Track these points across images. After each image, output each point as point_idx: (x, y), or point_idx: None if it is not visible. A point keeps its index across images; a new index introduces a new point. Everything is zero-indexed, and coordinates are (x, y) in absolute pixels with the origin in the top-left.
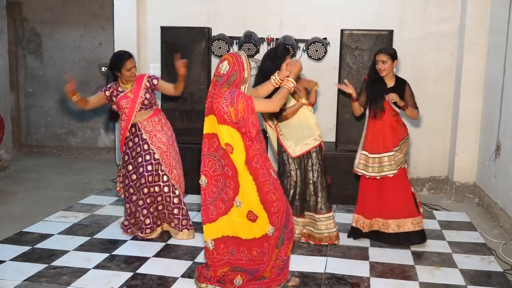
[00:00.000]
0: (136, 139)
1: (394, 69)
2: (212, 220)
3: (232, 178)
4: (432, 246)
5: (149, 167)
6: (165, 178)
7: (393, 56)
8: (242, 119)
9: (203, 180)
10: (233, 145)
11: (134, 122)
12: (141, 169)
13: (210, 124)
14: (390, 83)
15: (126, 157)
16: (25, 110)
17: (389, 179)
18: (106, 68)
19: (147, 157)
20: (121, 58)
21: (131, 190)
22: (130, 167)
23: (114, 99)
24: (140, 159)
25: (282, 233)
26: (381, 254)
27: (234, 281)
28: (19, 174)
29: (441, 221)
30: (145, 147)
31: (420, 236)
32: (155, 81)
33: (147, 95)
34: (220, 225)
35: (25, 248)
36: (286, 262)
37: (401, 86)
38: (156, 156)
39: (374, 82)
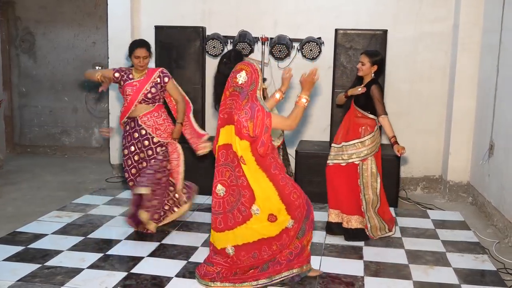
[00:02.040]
0: (135, 134)
1: (373, 74)
2: (230, 228)
3: (247, 188)
4: (426, 245)
5: (152, 161)
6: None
7: (374, 61)
8: (256, 136)
9: (220, 189)
10: (245, 158)
11: (133, 115)
12: (144, 163)
13: (227, 135)
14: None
15: (126, 150)
16: (19, 109)
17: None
18: (100, 68)
19: (149, 152)
20: (133, 45)
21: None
22: (129, 162)
23: (122, 83)
24: (142, 154)
25: (303, 224)
26: (375, 253)
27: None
28: (12, 174)
29: (435, 220)
30: (146, 142)
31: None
32: (165, 79)
33: (153, 89)
34: (239, 233)
35: (19, 248)
36: (302, 249)
37: (368, 87)
38: (158, 150)
39: (355, 82)
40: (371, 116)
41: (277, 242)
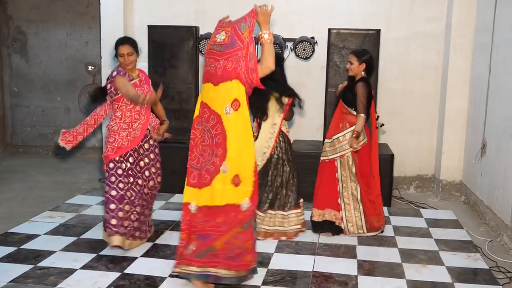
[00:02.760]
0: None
1: (363, 72)
2: (198, 186)
3: (222, 145)
4: (419, 244)
5: (158, 164)
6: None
7: (361, 60)
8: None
9: (199, 146)
10: (241, 102)
11: None
12: (147, 173)
13: (205, 94)
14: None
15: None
16: (11, 109)
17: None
18: (92, 67)
19: (151, 155)
20: (116, 43)
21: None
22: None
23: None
24: (146, 159)
25: (253, 220)
26: (368, 252)
27: (188, 248)
28: (4, 174)
29: (428, 219)
30: (145, 145)
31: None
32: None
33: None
34: (203, 193)
35: (11, 249)
36: (243, 253)
37: (354, 85)
38: (152, 156)
39: (348, 82)
40: (355, 112)
41: (223, 216)
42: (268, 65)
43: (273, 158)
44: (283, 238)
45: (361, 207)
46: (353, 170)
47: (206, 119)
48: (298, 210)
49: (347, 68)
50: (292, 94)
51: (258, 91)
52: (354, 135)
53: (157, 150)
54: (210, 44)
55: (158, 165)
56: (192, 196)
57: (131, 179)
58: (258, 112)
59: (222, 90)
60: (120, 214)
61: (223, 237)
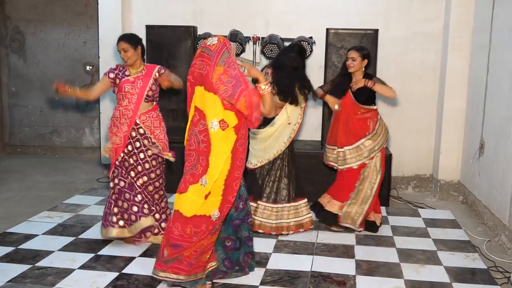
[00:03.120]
0: (133, 133)
1: (363, 68)
2: (180, 191)
3: (205, 156)
4: (417, 243)
5: (146, 165)
6: (158, 172)
7: (364, 55)
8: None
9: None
10: (229, 123)
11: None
12: (139, 168)
13: (199, 96)
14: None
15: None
16: (9, 109)
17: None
18: (90, 67)
19: (141, 155)
20: (119, 38)
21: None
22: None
23: (117, 81)
24: (142, 155)
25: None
26: (366, 252)
27: (164, 253)
28: (2, 174)
29: (426, 219)
30: (145, 142)
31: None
32: (162, 71)
33: (153, 87)
34: (180, 198)
35: (9, 249)
36: (202, 254)
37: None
38: (149, 153)
39: (342, 77)
40: (375, 107)
41: (192, 227)
42: (265, 112)
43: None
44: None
45: (370, 200)
46: (379, 165)
47: (195, 123)
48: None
49: (348, 65)
50: (309, 86)
51: (286, 76)
52: (373, 83)
53: (146, 141)
54: (202, 47)
55: (142, 156)
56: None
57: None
58: (288, 96)
59: (211, 99)
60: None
61: (193, 248)
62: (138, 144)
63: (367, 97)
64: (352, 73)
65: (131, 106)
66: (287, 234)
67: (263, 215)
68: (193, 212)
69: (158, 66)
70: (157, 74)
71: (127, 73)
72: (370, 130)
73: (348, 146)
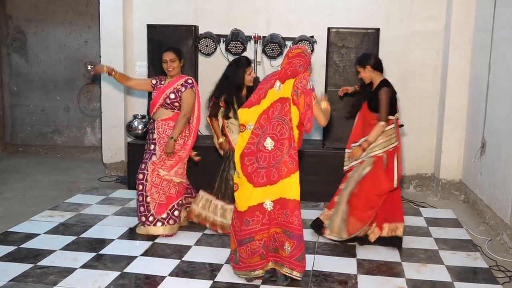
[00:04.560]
0: (151, 135)
1: (373, 74)
2: (273, 182)
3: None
4: (418, 243)
5: (142, 166)
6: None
7: (365, 65)
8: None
9: (269, 143)
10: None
11: (154, 118)
12: (142, 166)
13: (285, 89)
14: (375, 86)
15: (146, 146)
16: (10, 108)
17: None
18: (92, 66)
19: (146, 155)
20: (164, 49)
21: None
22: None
23: (154, 88)
24: (146, 155)
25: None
26: (368, 251)
27: (285, 246)
28: (4, 173)
29: (428, 218)
30: (151, 147)
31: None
32: (183, 88)
33: (172, 95)
34: (279, 187)
35: (11, 248)
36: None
37: (377, 92)
38: (153, 159)
39: (365, 87)
40: (391, 116)
41: (292, 208)
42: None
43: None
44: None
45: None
46: (363, 173)
47: (286, 112)
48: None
49: (360, 78)
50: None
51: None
52: (363, 145)
53: (152, 146)
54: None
55: (147, 156)
56: (265, 195)
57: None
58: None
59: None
60: None
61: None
62: (148, 145)
63: (375, 106)
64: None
65: (151, 103)
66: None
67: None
68: (289, 195)
69: (186, 77)
70: (180, 86)
71: (163, 82)
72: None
73: (348, 149)
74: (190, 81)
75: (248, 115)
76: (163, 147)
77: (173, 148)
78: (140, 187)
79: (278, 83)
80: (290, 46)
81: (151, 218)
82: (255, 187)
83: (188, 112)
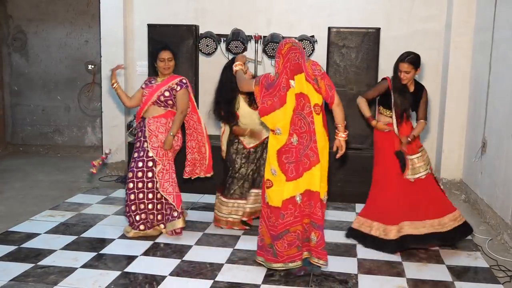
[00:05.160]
0: (140, 134)
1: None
2: (300, 176)
3: (314, 135)
4: None
5: (140, 164)
6: (149, 174)
7: (416, 65)
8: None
9: (295, 139)
10: (320, 108)
11: (144, 116)
12: (132, 164)
13: (300, 83)
14: (411, 87)
15: (135, 145)
16: (11, 108)
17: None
18: (92, 66)
19: (141, 153)
20: (159, 48)
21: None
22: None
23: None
24: (135, 154)
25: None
26: (368, 251)
27: (311, 236)
28: (5, 173)
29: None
30: (144, 144)
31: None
32: (178, 88)
33: (166, 93)
34: (304, 180)
35: (11, 248)
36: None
37: (419, 92)
38: (150, 154)
39: (399, 90)
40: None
41: (315, 201)
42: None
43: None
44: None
45: None
46: None
47: (302, 107)
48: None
49: (400, 78)
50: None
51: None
52: (410, 139)
53: (145, 144)
54: (291, 42)
55: (141, 153)
56: (295, 189)
57: None
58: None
59: (310, 87)
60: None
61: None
62: (138, 143)
63: (414, 108)
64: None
65: (140, 104)
66: None
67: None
68: (317, 189)
69: (181, 78)
70: (175, 85)
71: (153, 81)
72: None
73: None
74: (184, 81)
75: (272, 120)
76: (156, 144)
77: (171, 143)
78: (140, 184)
79: (292, 82)
80: (279, 45)
81: (159, 217)
82: (287, 181)
83: (185, 110)
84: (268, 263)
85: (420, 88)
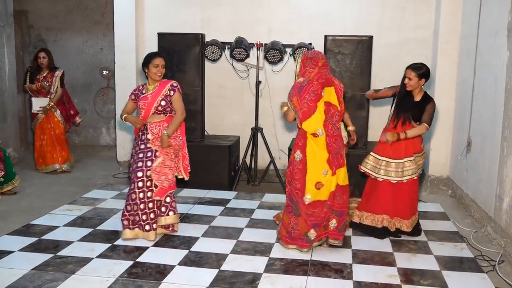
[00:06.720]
0: (143, 137)
1: (422, 86)
2: (334, 173)
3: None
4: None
5: (140, 164)
6: (148, 173)
7: (421, 75)
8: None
9: (331, 140)
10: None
11: (147, 122)
12: (134, 165)
13: (329, 94)
14: (417, 97)
15: (133, 150)
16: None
17: (402, 184)
18: (107, 72)
19: (142, 155)
20: (152, 54)
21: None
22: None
23: (136, 99)
24: (141, 155)
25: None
26: (362, 242)
27: (330, 223)
28: (26, 171)
29: (418, 211)
30: (148, 145)
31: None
32: (171, 92)
33: (162, 102)
34: (339, 174)
35: (33, 239)
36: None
37: (425, 102)
38: (148, 155)
39: (403, 95)
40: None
41: (346, 194)
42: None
43: None
44: None
45: None
46: None
47: (332, 115)
48: None
49: (405, 83)
50: None
51: None
52: (397, 137)
53: (148, 145)
54: (324, 58)
55: (141, 155)
56: (333, 183)
57: None
58: None
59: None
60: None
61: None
62: (142, 146)
63: (418, 116)
64: (411, 91)
65: (140, 117)
66: None
67: None
68: (346, 182)
69: (171, 82)
70: (168, 91)
71: (144, 91)
72: (420, 150)
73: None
74: (175, 84)
75: (313, 123)
76: (158, 143)
77: (167, 142)
78: (140, 183)
79: (322, 92)
80: (312, 56)
81: (151, 215)
82: (333, 175)
83: (184, 112)
84: (301, 248)
85: (427, 99)
